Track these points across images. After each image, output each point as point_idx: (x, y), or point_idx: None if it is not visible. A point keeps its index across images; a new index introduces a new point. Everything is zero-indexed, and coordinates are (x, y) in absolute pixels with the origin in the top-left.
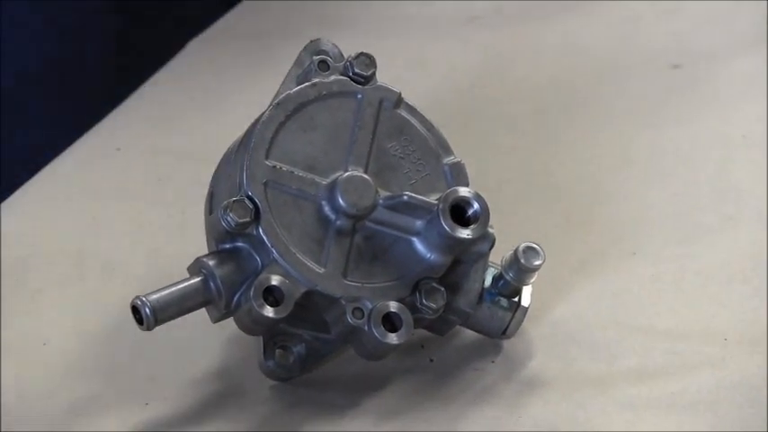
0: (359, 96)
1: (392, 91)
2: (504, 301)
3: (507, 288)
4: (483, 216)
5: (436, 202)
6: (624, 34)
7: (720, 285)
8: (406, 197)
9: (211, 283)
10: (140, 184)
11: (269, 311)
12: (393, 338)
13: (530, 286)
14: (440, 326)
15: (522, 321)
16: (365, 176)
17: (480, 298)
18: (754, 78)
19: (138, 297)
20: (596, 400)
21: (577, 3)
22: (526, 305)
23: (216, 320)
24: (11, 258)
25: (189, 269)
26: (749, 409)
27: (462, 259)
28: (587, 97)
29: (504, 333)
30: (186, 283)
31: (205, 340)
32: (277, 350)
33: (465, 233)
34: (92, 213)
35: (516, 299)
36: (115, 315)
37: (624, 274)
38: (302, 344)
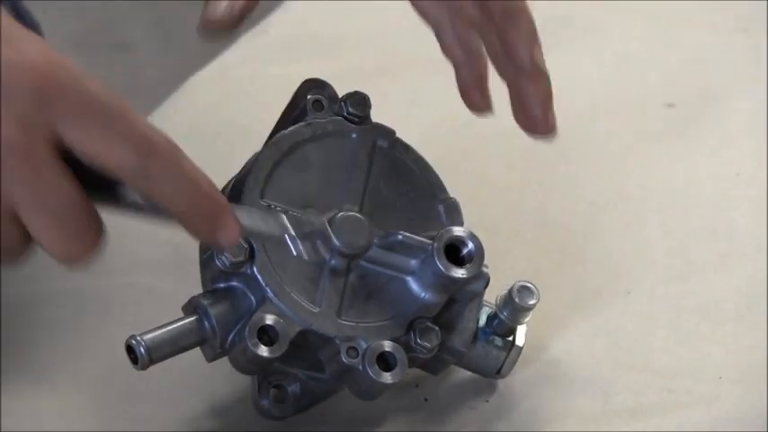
0: (353, 136)
1: (386, 130)
2: (498, 341)
3: (502, 327)
4: (477, 255)
5: (431, 241)
6: (618, 72)
7: (715, 323)
8: (400, 236)
9: (206, 323)
10: (135, 222)
11: (263, 351)
12: (387, 378)
13: (524, 325)
14: (434, 365)
15: (517, 360)
16: (360, 216)
17: (475, 337)
18: (748, 116)
19: (132, 336)
20: None
21: (571, 40)
22: (521, 344)
23: (211, 360)
24: (10, 299)
25: (183, 308)
26: None
27: (457, 298)
28: (581, 135)
29: (499, 372)
30: (181, 323)
31: (200, 379)
32: (272, 389)
33: (459, 273)
34: None
35: (511, 338)
36: (111, 354)
37: (619, 312)
38: (297, 383)
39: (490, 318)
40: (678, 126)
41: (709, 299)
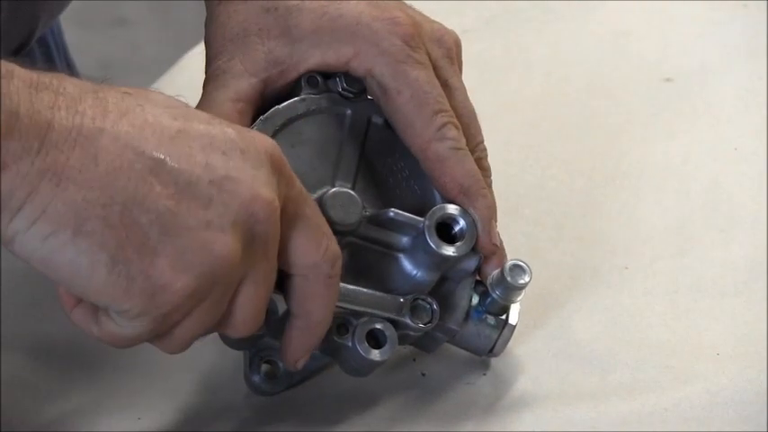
0: (348, 112)
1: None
2: (491, 319)
3: (494, 306)
4: (469, 233)
5: (422, 218)
6: (616, 47)
7: (713, 299)
8: (392, 213)
9: None
10: None
11: None
12: (376, 355)
13: (518, 304)
14: (426, 343)
15: (510, 340)
16: (352, 192)
17: (467, 316)
18: (746, 92)
19: None
20: (589, 415)
21: (569, 16)
22: (513, 323)
23: None
24: (11, 267)
25: None
26: (742, 425)
27: (449, 276)
28: (579, 111)
29: (491, 351)
30: None
31: (191, 354)
32: (263, 364)
33: (450, 250)
34: None
35: (504, 317)
36: None
37: (616, 287)
38: None
39: (483, 296)
40: (676, 101)
41: (708, 274)
